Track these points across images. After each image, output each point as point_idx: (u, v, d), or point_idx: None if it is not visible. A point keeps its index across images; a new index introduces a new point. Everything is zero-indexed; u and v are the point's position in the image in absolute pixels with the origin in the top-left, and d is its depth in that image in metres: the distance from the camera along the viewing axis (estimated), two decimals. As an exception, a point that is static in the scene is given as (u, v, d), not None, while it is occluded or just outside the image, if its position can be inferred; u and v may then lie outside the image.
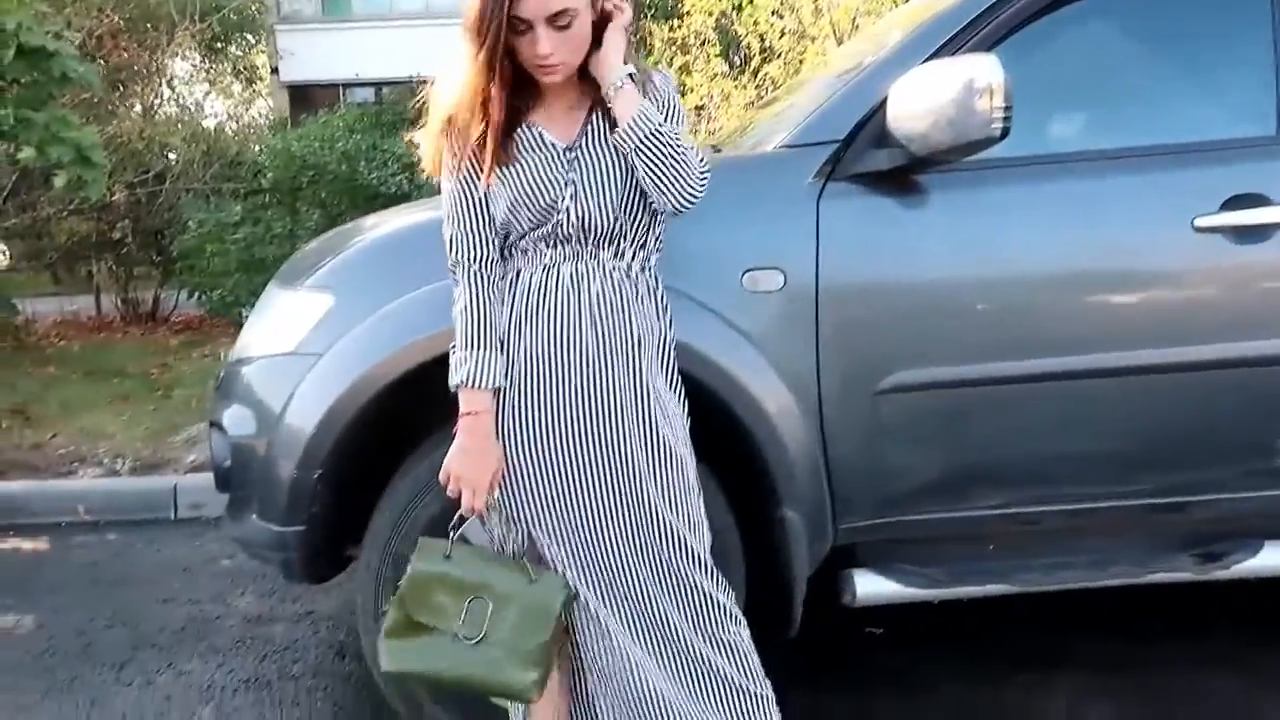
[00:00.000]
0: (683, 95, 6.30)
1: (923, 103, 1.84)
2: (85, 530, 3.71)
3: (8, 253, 9.77)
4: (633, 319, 1.58)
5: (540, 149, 1.54)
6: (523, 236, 1.57)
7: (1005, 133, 1.77)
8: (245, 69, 15.51)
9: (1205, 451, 2.09)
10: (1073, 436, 2.07)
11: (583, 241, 1.56)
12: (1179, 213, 1.98)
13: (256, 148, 8.27)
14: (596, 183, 1.54)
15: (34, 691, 2.45)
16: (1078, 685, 2.29)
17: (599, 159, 1.55)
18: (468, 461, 1.55)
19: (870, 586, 2.05)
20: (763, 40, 5.51)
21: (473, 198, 1.56)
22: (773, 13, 5.37)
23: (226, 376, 2.11)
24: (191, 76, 13.94)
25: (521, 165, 1.53)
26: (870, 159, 1.98)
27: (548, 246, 1.57)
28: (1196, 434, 2.07)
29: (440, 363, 1.85)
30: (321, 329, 1.96)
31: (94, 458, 4.33)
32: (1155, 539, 2.17)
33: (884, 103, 1.93)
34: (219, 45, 14.76)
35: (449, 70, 1.53)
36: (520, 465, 1.58)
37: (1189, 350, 2.02)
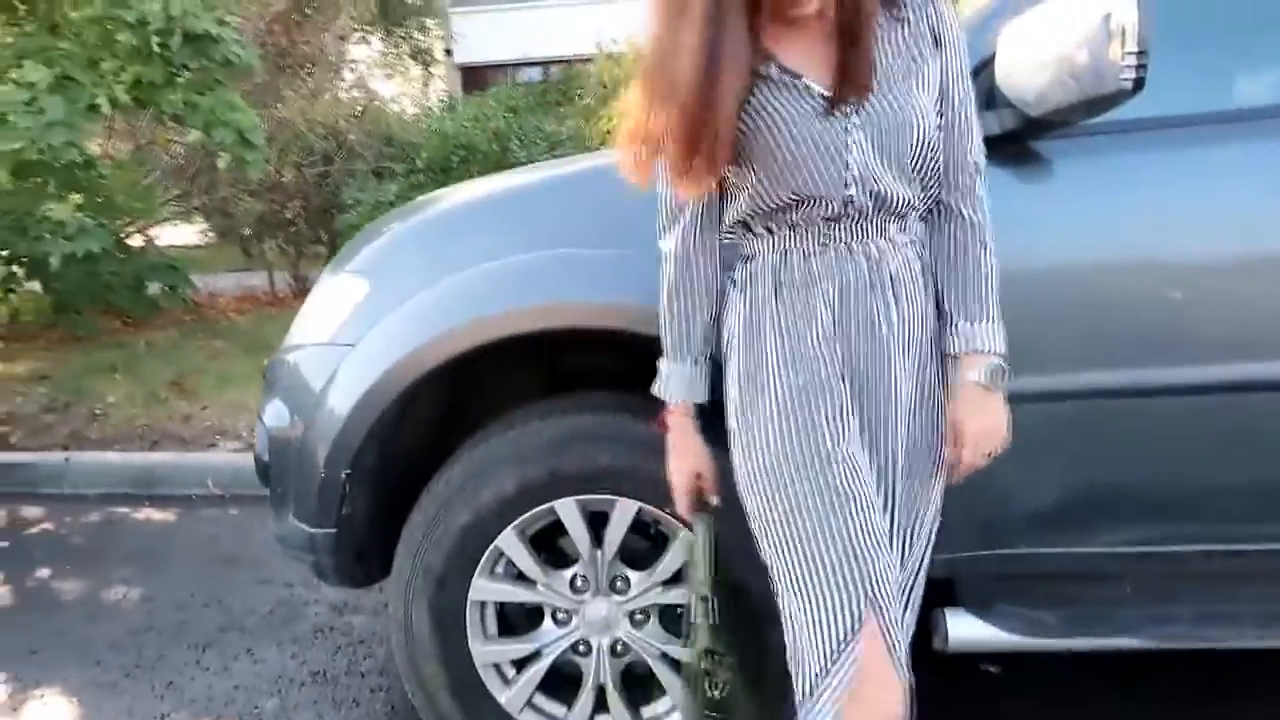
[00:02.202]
0: None
1: (1040, 52, 1.50)
2: (213, 504, 3.82)
3: (207, 230, 10.55)
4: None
5: (805, 98, 1.27)
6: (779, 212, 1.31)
7: (1140, 84, 1.40)
8: (421, 52, 16.05)
9: None
10: (1232, 462, 1.67)
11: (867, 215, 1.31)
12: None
13: (410, 129, 8.44)
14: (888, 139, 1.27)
15: (119, 669, 2.49)
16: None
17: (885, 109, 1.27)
18: (669, 461, 1.47)
19: (965, 630, 1.74)
20: None
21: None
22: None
23: (272, 366, 2.02)
24: (370, 61, 14.57)
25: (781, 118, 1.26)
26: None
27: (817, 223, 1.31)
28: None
29: (477, 356, 1.71)
30: (356, 317, 1.82)
31: (234, 431, 4.48)
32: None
33: (993, 57, 1.60)
34: (396, 29, 15.37)
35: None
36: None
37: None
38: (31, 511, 3.78)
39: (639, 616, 1.82)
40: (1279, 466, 1.68)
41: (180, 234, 10.20)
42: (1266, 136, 1.61)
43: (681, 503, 1.47)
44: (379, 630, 2.65)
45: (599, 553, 1.76)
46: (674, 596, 1.77)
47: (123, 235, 6.99)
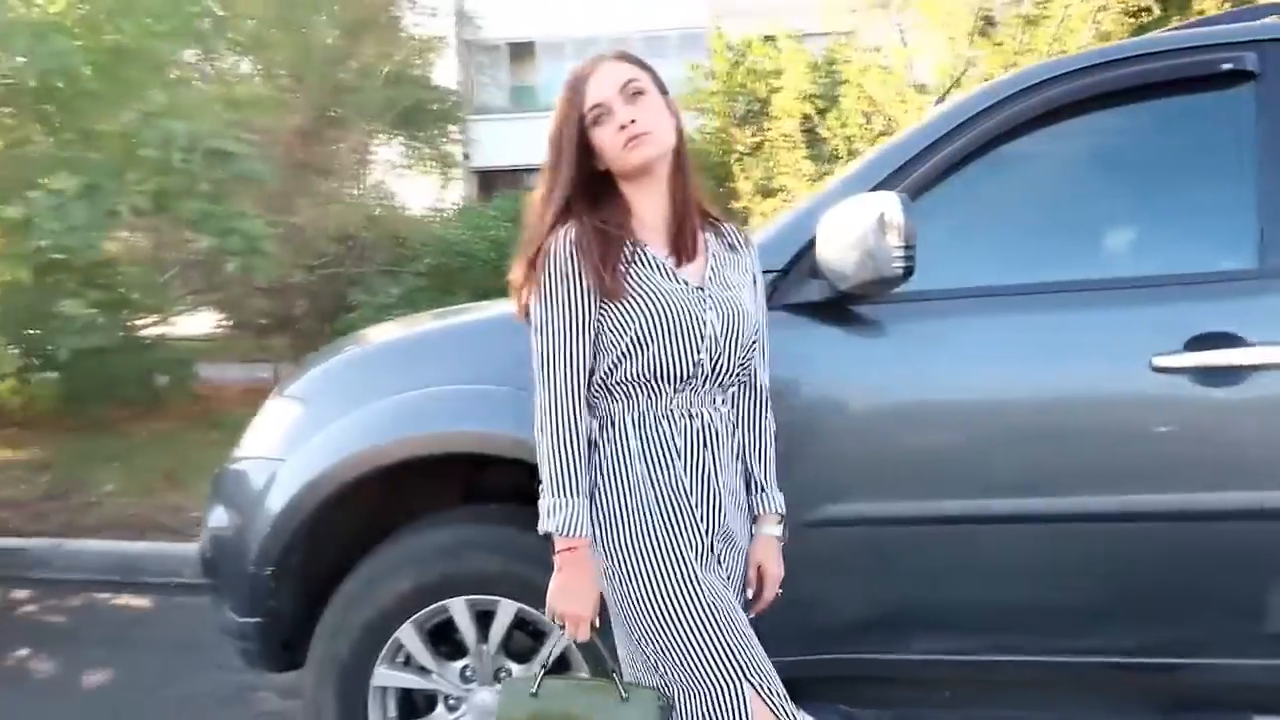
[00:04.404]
0: (771, 195, 6.36)
1: (838, 239, 1.83)
2: (188, 592, 4.07)
3: (223, 320, 11.02)
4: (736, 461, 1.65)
5: (664, 276, 1.54)
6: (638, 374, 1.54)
7: (909, 272, 1.73)
8: (440, 157, 16.84)
9: (1179, 610, 1.90)
10: (1036, 582, 1.94)
11: (705, 383, 1.57)
12: (1136, 351, 1.85)
13: (417, 234, 8.94)
14: (733, 326, 1.57)
15: (76, 744, 2.74)
16: None
17: (729, 301, 1.58)
18: (567, 597, 1.51)
19: (795, 727, 1.98)
20: (850, 142, 5.48)
21: (584, 319, 1.51)
22: (863, 114, 5.35)
23: (219, 476, 2.33)
24: (389, 163, 15.29)
25: (651, 290, 1.52)
26: (806, 289, 1.97)
27: (667, 386, 1.55)
28: (1169, 590, 1.89)
29: (380, 476, 2.01)
30: (289, 435, 2.14)
31: (217, 522, 4.76)
32: (1128, 701, 1.98)
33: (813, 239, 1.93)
34: (418, 134, 16.14)
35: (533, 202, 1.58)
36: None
37: (1158, 499, 1.86)
38: (20, 594, 4.06)
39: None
40: (1074, 588, 1.94)
41: (197, 322, 10.69)
42: (1027, 310, 1.93)
43: (584, 631, 1.54)
44: (318, 715, 2.88)
45: (483, 647, 2.03)
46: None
47: (136, 327, 7.41)
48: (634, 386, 1.55)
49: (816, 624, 1.98)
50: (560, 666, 1.80)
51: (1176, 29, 2.42)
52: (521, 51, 19.95)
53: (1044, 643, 1.97)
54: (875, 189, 1.94)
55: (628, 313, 1.51)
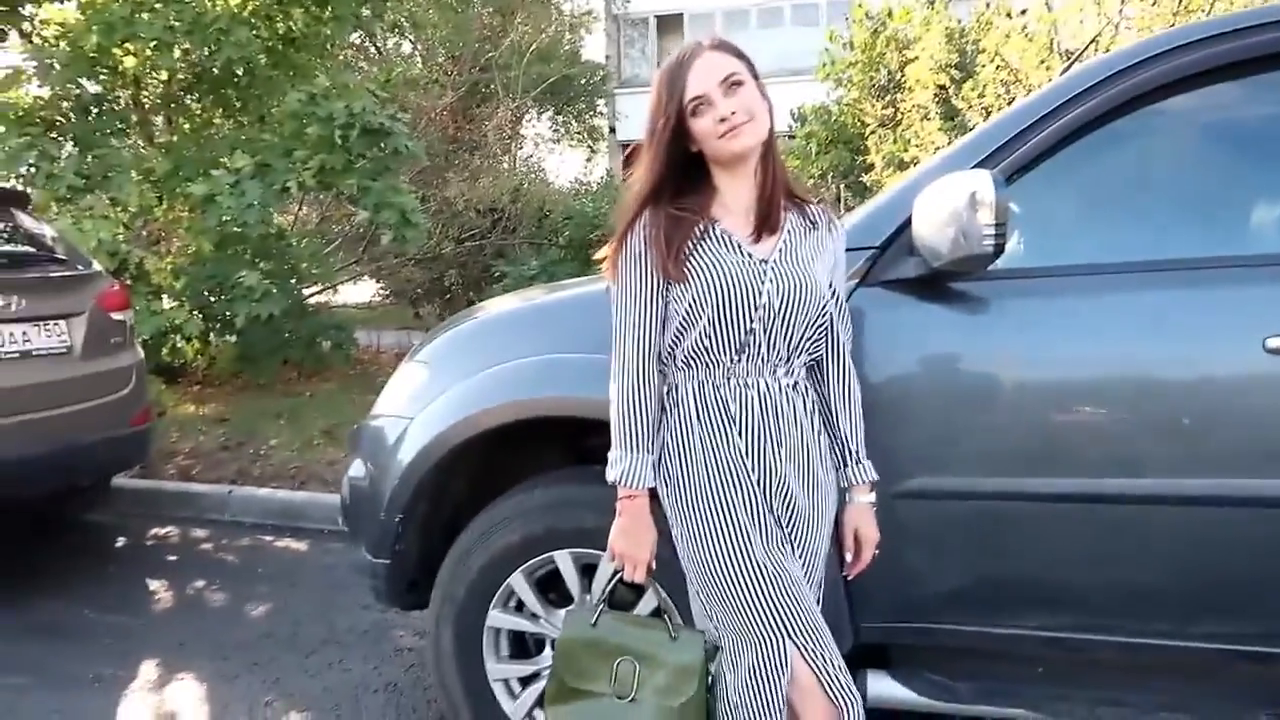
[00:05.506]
0: (905, 169, 6.18)
1: (933, 216, 1.86)
2: (340, 538, 4.44)
3: (381, 289, 11.72)
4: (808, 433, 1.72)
5: (730, 249, 1.65)
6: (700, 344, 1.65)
7: (1000, 250, 1.75)
8: (587, 130, 17.20)
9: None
10: (1121, 565, 1.92)
11: (764, 353, 1.66)
12: (1248, 331, 1.79)
13: (560, 207, 9.21)
14: (793, 296, 1.65)
15: (241, 664, 3.08)
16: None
17: (794, 274, 1.66)
18: (627, 540, 1.68)
19: (883, 689, 2.04)
20: (987, 113, 5.26)
21: (651, 297, 1.65)
22: (1002, 83, 5.14)
23: (357, 430, 2.57)
24: (538, 136, 15.76)
25: (710, 264, 1.63)
26: (902, 266, 2.00)
27: (723, 355, 1.65)
28: (1270, 578, 1.84)
29: (493, 436, 2.18)
30: (417, 396, 2.35)
31: (368, 476, 5.15)
32: (1227, 689, 1.93)
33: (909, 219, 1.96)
34: (567, 108, 16.53)
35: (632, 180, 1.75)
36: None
37: (1261, 484, 1.81)
38: (199, 533, 4.54)
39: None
40: (1164, 574, 1.91)
41: (360, 291, 11.39)
42: (1136, 287, 1.89)
43: (640, 572, 1.71)
44: (447, 654, 3.13)
45: (587, 596, 2.18)
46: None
47: (303, 295, 8.00)
48: (695, 356, 1.67)
49: (906, 593, 2.03)
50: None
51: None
52: (669, 24, 19.97)
53: (1139, 625, 1.95)
54: (977, 166, 1.95)
55: (687, 286, 1.63)
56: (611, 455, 1.68)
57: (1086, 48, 4.72)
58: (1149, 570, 1.92)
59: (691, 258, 1.63)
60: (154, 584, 3.87)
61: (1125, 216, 2.03)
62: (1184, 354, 1.86)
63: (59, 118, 6.60)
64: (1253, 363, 1.79)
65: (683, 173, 1.69)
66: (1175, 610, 1.93)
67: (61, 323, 3.85)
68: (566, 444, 2.44)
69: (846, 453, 1.78)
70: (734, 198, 1.69)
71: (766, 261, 1.65)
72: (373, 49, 10.75)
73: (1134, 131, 1.98)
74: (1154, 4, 4.53)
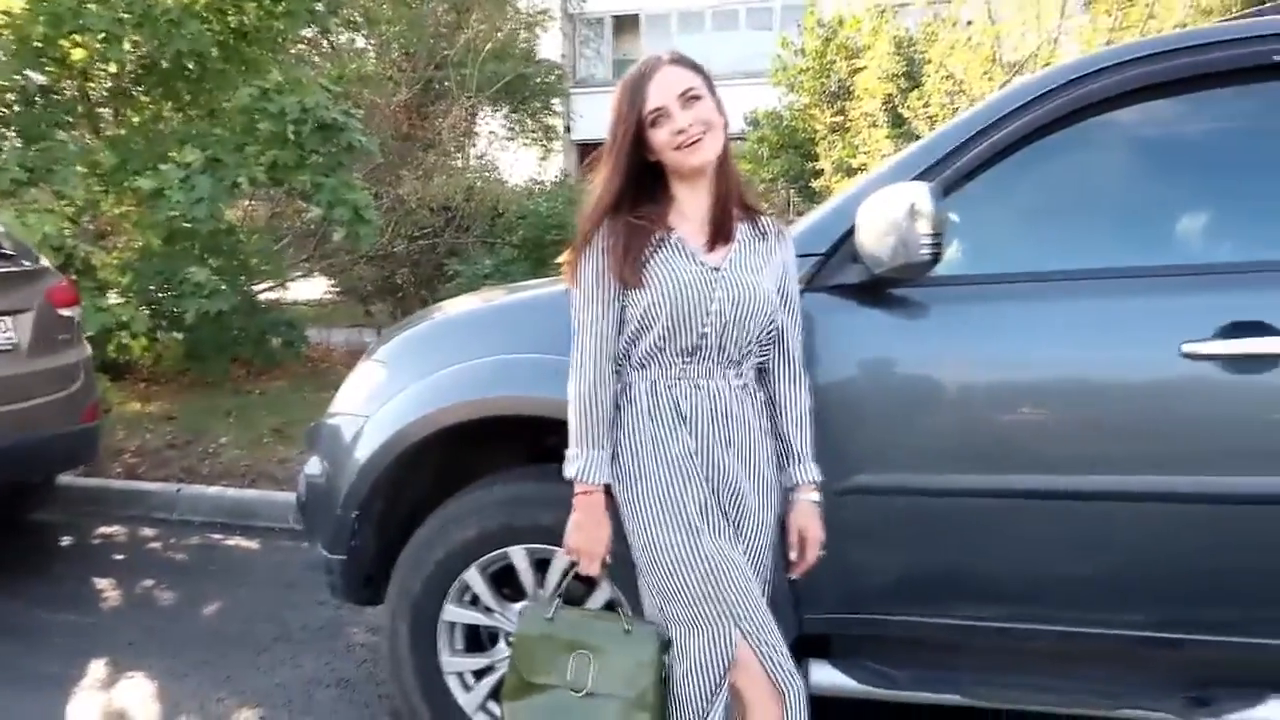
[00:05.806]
0: (853, 175, 6.34)
1: (875, 225, 1.94)
2: (291, 536, 4.45)
3: (332, 287, 11.61)
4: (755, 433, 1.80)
5: (684, 258, 1.72)
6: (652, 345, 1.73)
7: (937, 258, 1.84)
8: (542, 130, 17.15)
9: (1204, 589, 1.97)
10: (1049, 557, 2.03)
11: (714, 356, 1.74)
12: (1166, 337, 1.91)
13: (514, 207, 9.22)
14: (743, 304, 1.73)
15: (191, 663, 3.08)
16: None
17: (743, 282, 1.73)
18: (582, 535, 1.75)
19: (823, 677, 2.13)
20: (933, 122, 5.42)
21: (607, 301, 1.73)
22: (946, 93, 5.29)
23: (314, 428, 2.59)
24: (495, 137, 15.68)
25: (666, 271, 1.71)
26: (846, 272, 2.09)
27: (676, 358, 1.74)
28: (1195, 569, 1.96)
29: (450, 434, 2.22)
30: (374, 395, 2.38)
31: (320, 474, 5.13)
32: (1151, 675, 2.05)
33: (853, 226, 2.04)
34: (522, 107, 16.48)
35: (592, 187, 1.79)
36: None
37: (1180, 481, 1.93)
38: (147, 532, 4.50)
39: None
40: (1104, 562, 2.02)
41: (311, 288, 11.27)
42: (1059, 297, 2.00)
43: (595, 566, 1.78)
44: (400, 650, 3.16)
45: (540, 591, 2.24)
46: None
47: (253, 292, 7.92)
48: (649, 358, 1.75)
49: (848, 585, 2.12)
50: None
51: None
52: (625, 24, 20.08)
53: (1069, 615, 2.06)
54: (918, 177, 2.05)
55: (643, 292, 1.71)
56: (569, 452, 1.76)
57: (1026, 61, 4.90)
58: (1073, 562, 2.02)
59: (648, 265, 1.71)
60: (102, 583, 3.84)
61: (1056, 227, 2.14)
62: (1107, 358, 1.97)
63: (2, 109, 6.47)
64: (1170, 367, 1.91)
65: (641, 182, 1.76)
66: (1099, 600, 2.04)
67: (8, 319, 3.80)
68: (525, 443, 2.49)
69: (792, 453, 1.86)
70: (691, 207, 1.77)
71: (718, 270, 1.73)
72: (326, 44, 10.66)
73: (1065, 146, 2.08)
74: (1091, 22, 4.71)
